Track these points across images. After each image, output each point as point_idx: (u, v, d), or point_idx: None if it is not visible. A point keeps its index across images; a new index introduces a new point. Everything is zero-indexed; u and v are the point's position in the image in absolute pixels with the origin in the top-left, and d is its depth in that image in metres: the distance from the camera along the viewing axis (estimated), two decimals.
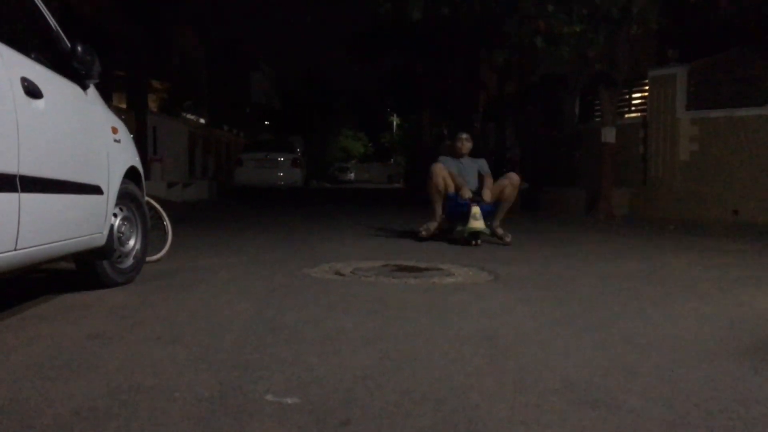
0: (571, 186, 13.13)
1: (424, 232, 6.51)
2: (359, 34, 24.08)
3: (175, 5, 23.04)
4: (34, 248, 2.74)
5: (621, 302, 3.53)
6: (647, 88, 11.60)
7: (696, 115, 10.88)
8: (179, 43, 25.53)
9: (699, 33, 11.22)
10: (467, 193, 6.31)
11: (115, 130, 3.72)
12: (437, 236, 6.63)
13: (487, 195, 6.34)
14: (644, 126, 11.58)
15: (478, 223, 6.05)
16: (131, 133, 4.12)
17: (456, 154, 6.83)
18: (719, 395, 2.00)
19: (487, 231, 6.25)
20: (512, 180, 6.56)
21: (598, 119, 12.57)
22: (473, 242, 6.19)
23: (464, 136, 6.85)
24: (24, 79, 2.66)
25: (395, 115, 50.30)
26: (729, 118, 10.47)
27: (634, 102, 12.37)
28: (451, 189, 6.40)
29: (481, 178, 6.70)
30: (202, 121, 27.97)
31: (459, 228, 6.34)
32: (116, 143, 3.70)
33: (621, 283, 4.17)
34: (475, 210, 6.09)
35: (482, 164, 6.82)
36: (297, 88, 46.93)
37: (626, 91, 12.11)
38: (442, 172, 6.45)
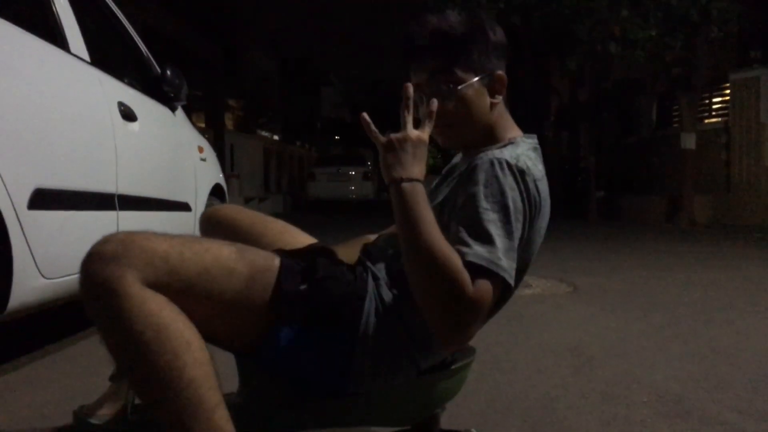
0: (651, 194, 12.78)
1: None
2: None
3: (248, 25, 23.75)
4: None
5: (707, 312, 3.43)
6: (728, 92, 11.19)
7: None
8: (253, 62, 26.26)
9: None
10: None
11: (201, 150, 3.89)
12: None
13: None
14: (726, 131, 11.16)
15: None
16: None
17: None
18: None
19: None
20: None
21: (676, 125, 12.20)
22: None
23: None
24: (120, 104, 2.83)
25: None
26: None
27: (715, 106, 11.94)
28: None
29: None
30: (275, 137, 28.65)
31: None
32: (202, 162, 3.86)
33: (706, 293, 4.05)
34: None
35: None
36: (365, 100, 47.45)
37: (706, 95, 11.71)
38: None
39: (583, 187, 14.59)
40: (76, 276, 2.40)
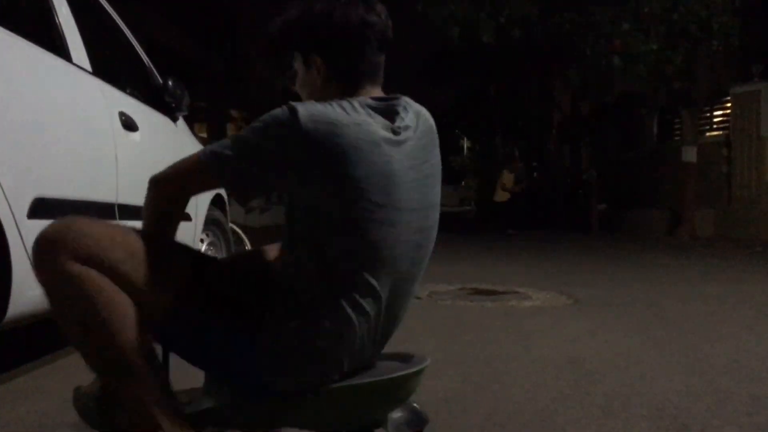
0: (652, 207, 12.77)
1: None
2: (429, 57, 24.12)
3: (252, 36, 23.79)
4: None
5: (708, 326, 3.42)
6: (729, 105, 11.21)
7: None
8: (255, 73, 26.33)
9: None
10: None
11: None
12: None
13: None
14: (727, 145, 11.17)
15: None
16: None
17: None
18: None
19: None
20: None
21: (678, 138, 12.22)
22: None
23: None
24: (122, 114, 2.83)
25: (465, 138, 50.06)
26: None
27: (716, 120, 11.96)
28: None
29: None
30: None
31: None
32: None
33: (708, 307, 4.04)
34: None
35: None
36: None
37: (707, 109, 11.73)
38: None
39: (584, 200, 14.59)
40: None
